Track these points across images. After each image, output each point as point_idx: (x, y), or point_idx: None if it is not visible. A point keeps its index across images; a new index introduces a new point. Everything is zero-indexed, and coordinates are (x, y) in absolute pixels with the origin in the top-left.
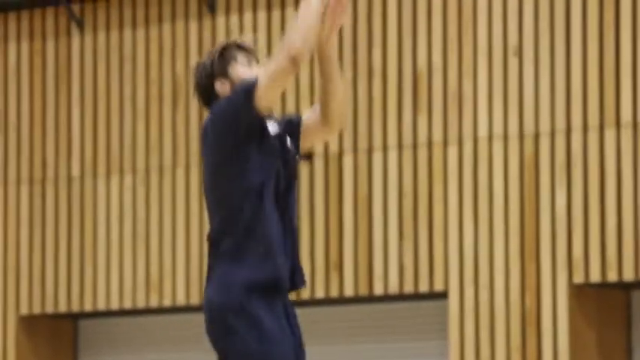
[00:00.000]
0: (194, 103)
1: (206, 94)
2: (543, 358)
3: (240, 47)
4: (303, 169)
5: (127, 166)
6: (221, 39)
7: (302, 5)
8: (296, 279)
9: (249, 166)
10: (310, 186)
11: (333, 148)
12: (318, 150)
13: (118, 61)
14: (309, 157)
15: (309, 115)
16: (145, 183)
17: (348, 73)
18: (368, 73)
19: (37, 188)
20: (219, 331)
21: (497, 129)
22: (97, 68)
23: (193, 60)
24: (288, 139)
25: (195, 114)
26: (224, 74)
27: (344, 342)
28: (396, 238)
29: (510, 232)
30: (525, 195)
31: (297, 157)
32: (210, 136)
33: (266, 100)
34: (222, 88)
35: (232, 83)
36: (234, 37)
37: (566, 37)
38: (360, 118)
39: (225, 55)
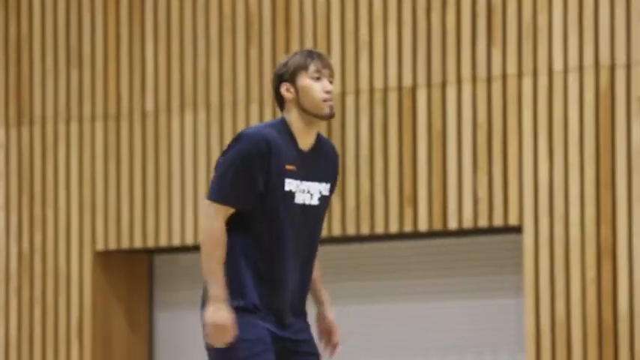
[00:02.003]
0: (267, 38)
1: (275, 93)
2: (619, 290)
3: (316, 58)
4: (378, 104)
5: (201, 101)
6: None
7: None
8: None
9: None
10: (384, 120)
11: (407, 82)
12: (392, 84)
13: None
14: None
15: None
16: (218, 119)
17: (422, 6)
18: (442, 5)
19: (112, 124)
20: None
21: (573, 61)
22: (171, 2)
23: None
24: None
25: (268, 49)
26: (292, 81)
27: (418, 277)
28: (470, 172)
29: (586, 164)
30: (601, 127)
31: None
32: None
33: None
34: (287, 93)
35: (297, 92)
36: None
37: None
38: (433, 52)
39: (297, 61)
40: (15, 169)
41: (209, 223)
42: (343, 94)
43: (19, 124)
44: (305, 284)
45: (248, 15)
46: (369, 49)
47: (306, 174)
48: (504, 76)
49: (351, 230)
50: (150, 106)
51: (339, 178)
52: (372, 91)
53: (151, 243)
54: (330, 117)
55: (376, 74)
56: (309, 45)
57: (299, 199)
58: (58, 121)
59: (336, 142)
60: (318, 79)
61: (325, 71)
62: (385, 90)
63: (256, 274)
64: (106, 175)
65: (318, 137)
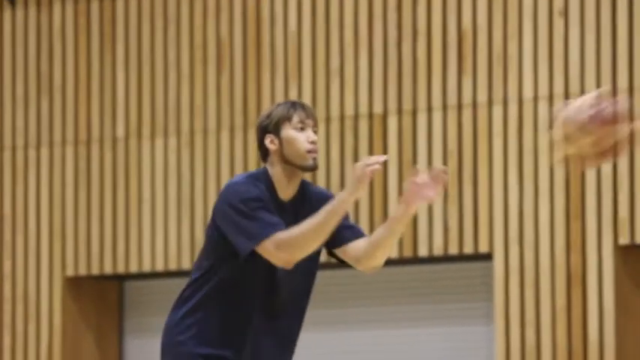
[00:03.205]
0: (238, 66)
1: (259, 145)
2: (589, 318)
3: (299, 109)
4: (349, 132)
5: (172, 128)
6: (266, 3)
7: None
8: None
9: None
10: (355, 148)
11: (378, 109)
12: (363, 111)
13: (163, 23)
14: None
15: (355, 244)
16: (189, 145)
17: (393, 35)
18: (412, 33)
19: (82, 149)
20: None
21: (543, 90)
22: (142, 30)
23: (237, 23)
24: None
25: (239, 77)
26: (276, 132)
27: (388, 304)
28: (441, 199)
29: (555, 193)
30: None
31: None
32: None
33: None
34: (271, 145)
35: (281, 143)
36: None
37: None
38: (404, 80)
39: (281, 112)
40: None
41: (284, 250)
42: None
43: None
44: (286, 351)
45: (219, 44)
46: (340, 77)
47: (288, 225)
48: (475, 104)
49: (321, 258)
50: (120, 132)
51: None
52: (342, 118)
53: (121, 269)
54: (313, 169)
55: (347, 101)
56: (280, 74)
57: None
58: (28, 147)
59: None
60: (302, 129)
61: (309, 121)
62: (356, 117)
63: (226, 328)
64: (77, 201)
65: (302, 187)
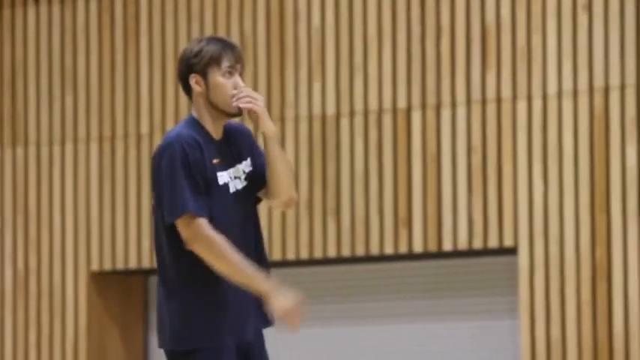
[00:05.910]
0: (261, 61)
1: (183, 81)
2: (614, 312)
3: (229, 52)
4: (372, 126)
5: None
6: None
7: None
8: None
9: None
10: (379, 143)
11: (402, 104)
12: (387, 106)
13: (186, 19)
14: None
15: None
16: None
17: (417, 30)
18: (436, 29)
19: (107, 146)
20: None
21: (567, 85)
22: (165, 26)
23: (261, 19)
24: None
25: (262, 72)
26: (202, 73)
27: (413, 298)
28: (465, 193)
29: (580, 187)
30: (595, 150)
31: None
32: None
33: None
34: (195, 85)
35: (207, 87)
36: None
37: None
38: (428, 75)
39: (210, 54)
40: (10, 190)
41: (198, 242)
42: (338, 116)
43: (13, 144)
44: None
45: (243, 39)
46: (364, 72)
47: (228, 161)
48: (499, 100)
49: (346, 252)
50: (145, 128)
51: (334, 200)
52: (366, 113)
53: (145, 264)
54: (237, 114)
55: (371, 96)
56: (304, 69)
57: (232, 188)
58: (53, 142)
59: (330, 163)
60: (230, 74)
61: (238, 66)
62: (380, 112)
63: (211, 296)
64: (101, 197)
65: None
